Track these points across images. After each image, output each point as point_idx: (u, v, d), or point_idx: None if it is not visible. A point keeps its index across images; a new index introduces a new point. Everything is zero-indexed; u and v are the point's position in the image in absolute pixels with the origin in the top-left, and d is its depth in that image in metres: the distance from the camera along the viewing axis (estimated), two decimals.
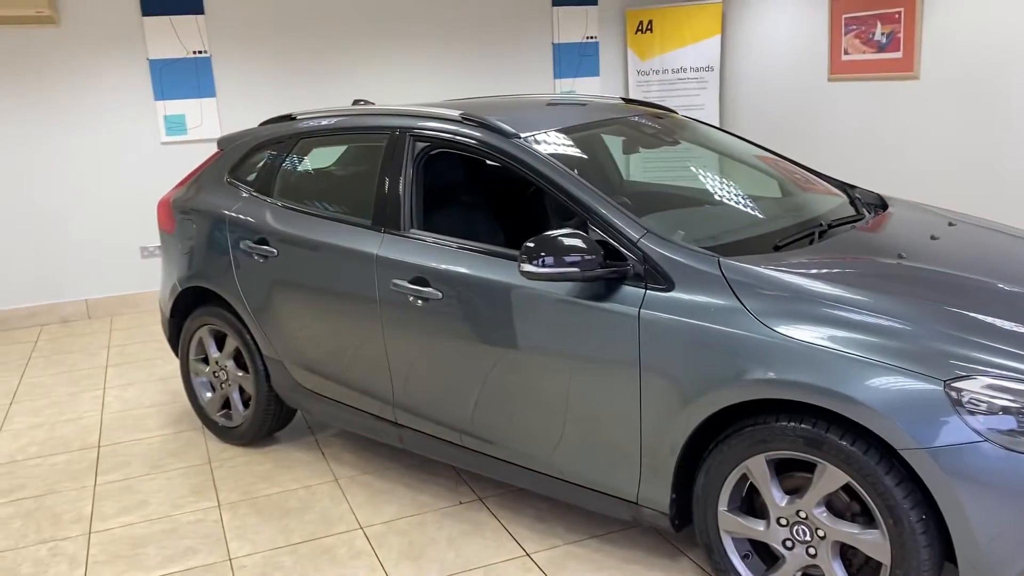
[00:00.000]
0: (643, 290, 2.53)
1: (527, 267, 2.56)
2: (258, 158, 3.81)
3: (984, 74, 4.89)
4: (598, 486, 2.74)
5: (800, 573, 2.42)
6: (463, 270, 2.92)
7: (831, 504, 2.33)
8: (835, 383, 2.17)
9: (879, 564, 2.26)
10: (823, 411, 2.25)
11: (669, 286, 2.50)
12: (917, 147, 5.36)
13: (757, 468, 2.39)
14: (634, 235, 2.59)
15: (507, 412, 2.89)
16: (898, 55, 5.32)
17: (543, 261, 2.54)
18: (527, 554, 2.95)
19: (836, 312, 2.29)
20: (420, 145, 3.17)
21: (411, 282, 3.02)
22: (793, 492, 2.38)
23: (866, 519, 2.28)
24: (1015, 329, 2.24)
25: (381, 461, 3.69)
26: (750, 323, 2.34)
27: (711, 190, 3.31)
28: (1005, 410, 2.04)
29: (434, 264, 2.99)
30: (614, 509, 2.73)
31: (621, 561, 2.87)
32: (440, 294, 2.95)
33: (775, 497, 2.39)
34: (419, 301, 3.00)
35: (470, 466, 3.11)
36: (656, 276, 2.52)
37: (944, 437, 2.06)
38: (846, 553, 2.35)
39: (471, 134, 3.03)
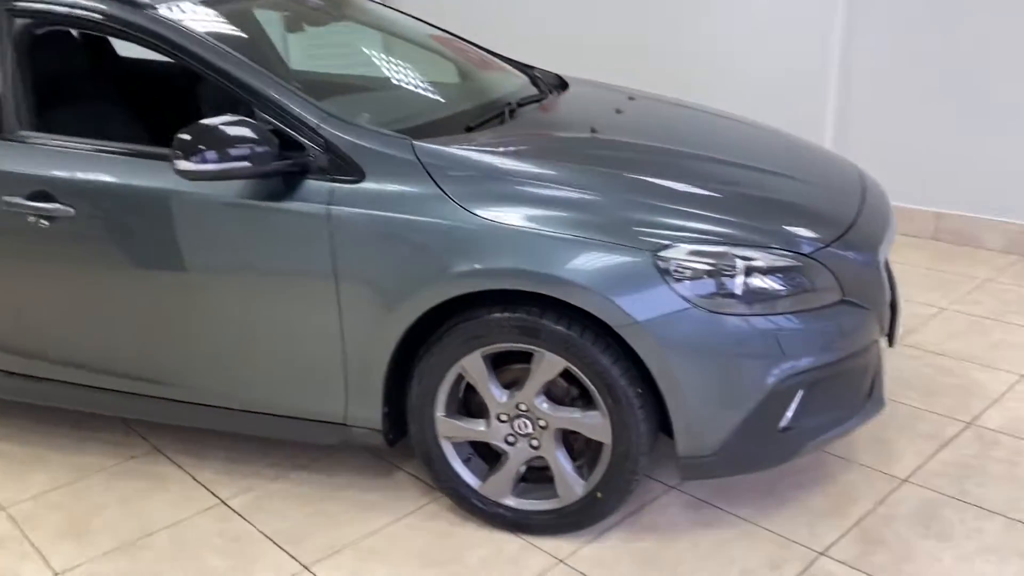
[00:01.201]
0: (330, 184, 2.20)
1: (184, 164, 2.10)
2: None
3: None
4: (300, 413, 2.42)
5: (524, 467, 2.32)
6: (101, 178, 2.37)
7: (550, 392, 2.23)
8: (544, 265, 2.05)
9: (600, 445, 2.21)
10: (536, 297, 2.11)
11: (359, 177, 2.19)
12: (576, 27, 5.52)
13: (473, 366, 2.21)
14: (314, 120, 2.23)
15: (181, 346, 2.45)
16: None
17: (204, 157, 2.10)
18: (222, 501, 2.56)
19: (540, 191, 2.15)
20: (21, 23, 2.48)
21: (29, 198, 2.39)
22: (511, 386, 2.25)
23: (585, 402, 2.21)
24: (708, 194, 2.27)
25: (23, 424, 3.01)
26: (451, 210, 2.12)
27: (387, 74, 3.01)
28: (708, 274, 2.05)
29: (60, 173, 2.39)
30: (320, 435, 2.43)
31: (332, 489, 2.59)
32: (72, 210, 2.37)
33: (494, 393, 2.23)
34: (44, 221, 2.39)
35: (143, 415, 2.63)
36: (343, 166, 2.20)
37: (655, 308, 2.03)
38: (568, 440, 2.28)
39: (91, 5, 2.42)
